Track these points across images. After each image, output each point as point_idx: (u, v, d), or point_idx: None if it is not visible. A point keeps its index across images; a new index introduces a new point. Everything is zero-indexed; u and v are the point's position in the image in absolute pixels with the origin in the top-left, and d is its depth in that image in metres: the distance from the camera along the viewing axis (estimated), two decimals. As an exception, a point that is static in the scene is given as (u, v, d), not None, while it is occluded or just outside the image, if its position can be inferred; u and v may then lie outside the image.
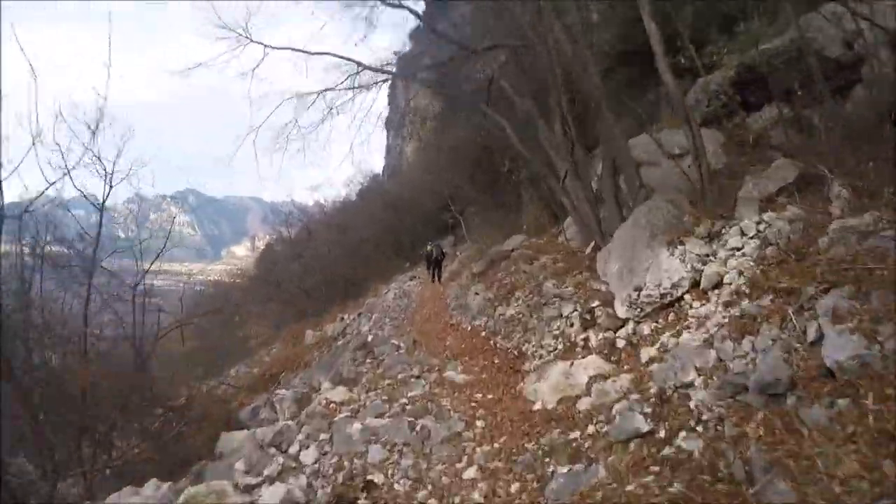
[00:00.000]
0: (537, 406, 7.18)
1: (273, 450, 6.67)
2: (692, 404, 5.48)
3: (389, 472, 6.02)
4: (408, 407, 7.42)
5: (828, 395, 4.25)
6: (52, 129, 10.38)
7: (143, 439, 9.35)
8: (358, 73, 11.87)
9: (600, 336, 8.01)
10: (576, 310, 8.44)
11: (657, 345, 7.01)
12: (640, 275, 7.90)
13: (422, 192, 34.23)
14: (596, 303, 8.19)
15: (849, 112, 11.38)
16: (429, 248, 23.39)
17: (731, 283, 7.04)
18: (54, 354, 10.29)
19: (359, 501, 5.53)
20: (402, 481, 5.82)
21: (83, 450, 9.00)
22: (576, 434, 6.07)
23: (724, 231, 7.86)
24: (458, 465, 6.07)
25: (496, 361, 9.15)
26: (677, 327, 7.09)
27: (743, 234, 7.52)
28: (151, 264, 11.94)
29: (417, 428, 6.69)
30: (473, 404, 7.57)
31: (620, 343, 7.53)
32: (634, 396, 5.97)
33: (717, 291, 7.28)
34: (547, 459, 5.80)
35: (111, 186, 11.62)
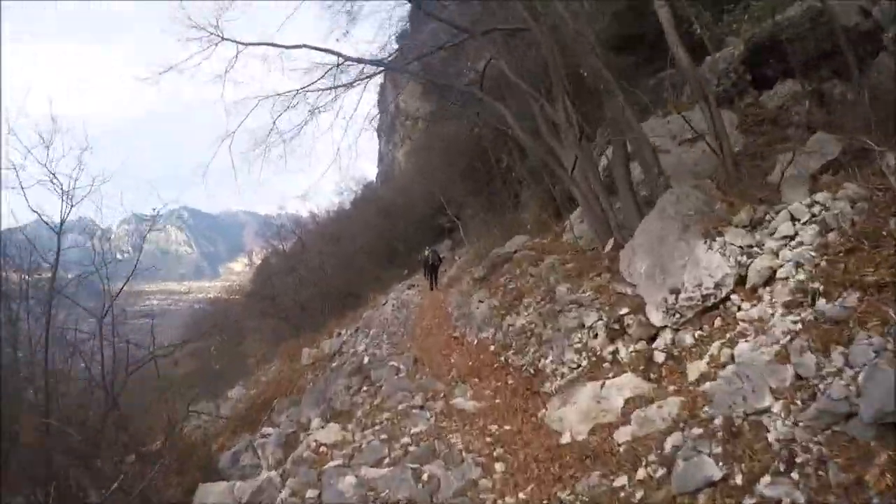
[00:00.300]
0: (565, 438, 5.90)
1: (252, 512, 5.36)
2: (772, 437, 4.24)
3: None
4: (411, 448, 6.13)
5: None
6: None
7: (112, 491, 8.00)
8: (339, 66, 10.60)
9: (631, 348, 6.75)
10: (600, 318, 7.15)
11: (706, 358, 5.74)
12: (675, 274, 6.62)
13: (415, 196, 33.05)
14: (624, 309, 6.90)
15: (875, 82, 10.27)
16: (425, 253, 22.22)
17: (787, 279, 5.80)
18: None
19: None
20: (407, 556, 4.51)
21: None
22: (622, 480, 4.78)
23: (767, 217, 6.63)
24: (477, 528, 4.77)
25: (510, 382, 7.83)
26: (728, 335, 5.83)
27: (794, 219, 6.27)
28: (119, 292, 10.56)
29: (424, 478, 5.38)
30: (489, 439, 6.26)
31: (659, 356, 6.25)
32: (696, 431, 4.65)
33: (769, 289, 6.07)
34: (590, 517, 4.52)
35: (71, 205, 10.29)
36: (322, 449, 6.63)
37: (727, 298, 6.27)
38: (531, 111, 10.88)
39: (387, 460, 5.93)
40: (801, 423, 4.14)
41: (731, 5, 13.49)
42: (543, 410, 6.57)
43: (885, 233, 5.39)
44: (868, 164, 6.94)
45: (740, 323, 5.92)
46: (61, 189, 9.96)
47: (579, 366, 7.08)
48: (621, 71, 12.62)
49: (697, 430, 4.63)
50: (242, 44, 11.31)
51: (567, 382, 6.87)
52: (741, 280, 6.32)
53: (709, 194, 7.72)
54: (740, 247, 6.49)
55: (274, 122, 11.03)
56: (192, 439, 10.29)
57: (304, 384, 12.39)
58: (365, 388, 8.54)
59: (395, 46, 13.91)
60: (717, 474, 4.13)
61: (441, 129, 25.84)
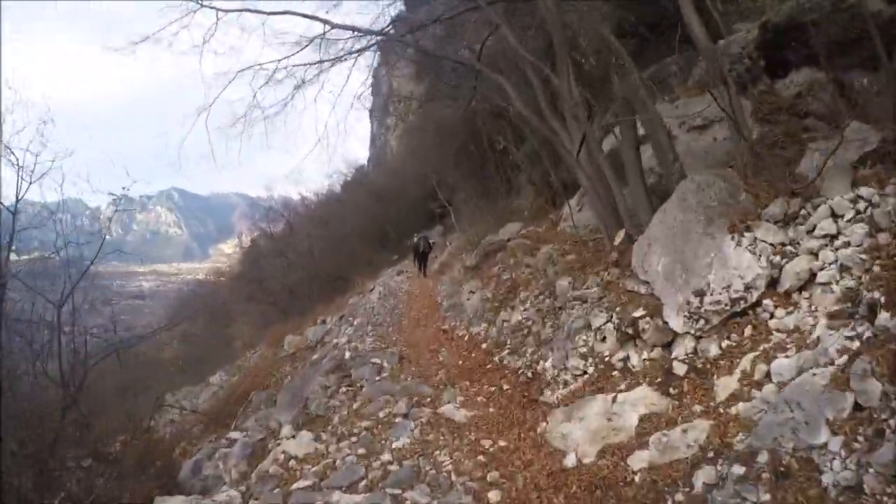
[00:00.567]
0: (570, 460, 5.03)
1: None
2: (827, 481, 3.42)
3: None
4: (391, 468, 5.22)
5: None
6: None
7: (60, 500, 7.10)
8: (325, 34, 9.53)
9: (645, 356, 5.88)
10: (610, 319, 6.25)
11: (737, 373, 4.88)
12: (699, 273, 5.73)
13: (407, 180, 32.11)
14: (639, 311, 6.00)
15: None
16: (415, 239, 21.59)
17: (830, 284, 4.96)
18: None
19: None
20: None
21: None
22: (643, 522, 3.90)
23: (804, 212, 5.75)
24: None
25: (505, 387, 6.93)
26: (762, 347, 4.98)
27: (835, 215, 5.38)
28: (80, 278, 9.47)
29: (405, 509, 4.47)
30: (482, 458, 5.36)
31: (679, 368, 5.37)
32: (736, 469, 3.78)
33: (806, 294, 5.23)
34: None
35: (30, 182, 9.25)
36: (291, 463, 5.73)
37: (758, 303, 5.41)
38: (531, 92, 9.95)
39: (363, 483, 5.02)
40: (869, 468, 3.29)
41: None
42: (544, 424, 5.69)
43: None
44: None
45: (775, 333, 5.07)
46: (17, 164, 8.93)
47: (584, 373, 6.20)
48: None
49: (738, 469, 3.74)
50: (221, 10, 10.23)
51: (571, 392, 6.00)
52: (772, 282, 5.47)
53: (731, 183, 6.83)
54: (772, 244, 5.64)
55: (254, 96, 9.98)
56: (157, 439, 9.38)
57: (282, 375, 11.47)
58: (344, 390, 7.61)
59: (389, 20, 12.83)
60: (768, 530, 3.27)
61: (434, 111, 24.71)
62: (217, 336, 39.72)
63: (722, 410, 4.61)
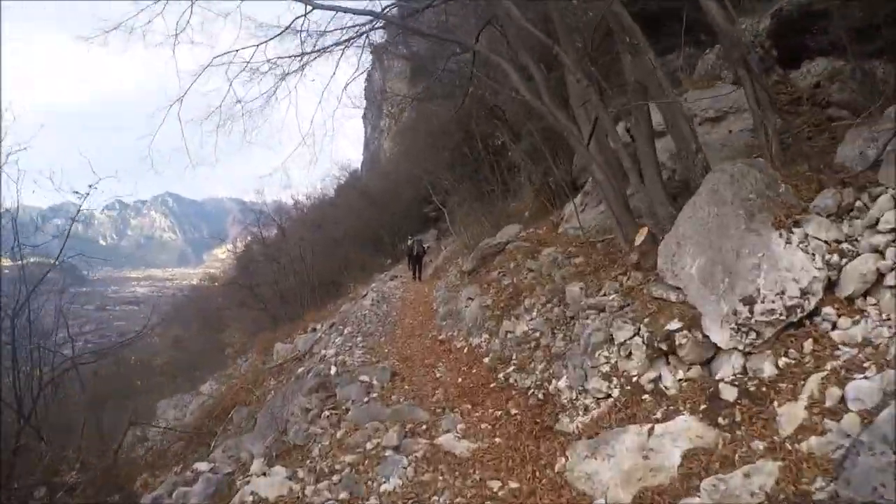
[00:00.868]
0: (598, 508, 4.03)
1: None
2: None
3: None
4: (380, 519, 4.19)
5: None
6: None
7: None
8: (306, 15, 8.56)
9: (681, 376, 4.89)
10: (638, 332, 5.25)
11: (803, 399, 3.91)
12: (746, 276, 4.75)
13: (401, 183, 31.25)
14: (674, 323, 5.00)
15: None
16: (409, 242, 21.29)
17: (909, 287, 4.00)
18: None
19: None
20: None
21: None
22: None
23: (859, 203, 4.81)
24: None
25: (513, 412, 5.89)
26: (830, 365, 4.02)
27: (900, 207, 4.44)
28: (37, 285, 8.39)
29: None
30: (489, 504, 4.34)
31: (727, 392, 4.38)
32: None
33: (873, 300, 4.33)
34: None
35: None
36: (261, 507, 4.72)
37: (816, 312, 4.45)
38: (533, 82, 9.01)
39: (345, 540, 4.02)
40: None
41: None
42: (563, 459, 4.68)
43: None
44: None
45: (841, 347, 4.11)
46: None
47: (608, 396, 5.21)
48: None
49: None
50: (196, -6, 9.21)
51: (593, 420, 5.00)
52: (829, 286, 4.52)
53: (766, 174, 5.88)
54: (826, 241, 4.69)
55: (230, 86, 8.98)
56: (126, 461, 8.32)
57: (266, 390, 10.41)
58: (327, 413, 6.55)
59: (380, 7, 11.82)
60: None
61: (428, 112, 23.89)
62: (210, 342, 38.73)
63: (790, 447, 3.63)
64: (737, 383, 4.38)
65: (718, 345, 4.72)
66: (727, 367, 4.60)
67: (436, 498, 4.44)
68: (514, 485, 4.56)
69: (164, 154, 9.78)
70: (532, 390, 6.14)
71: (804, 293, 4.48)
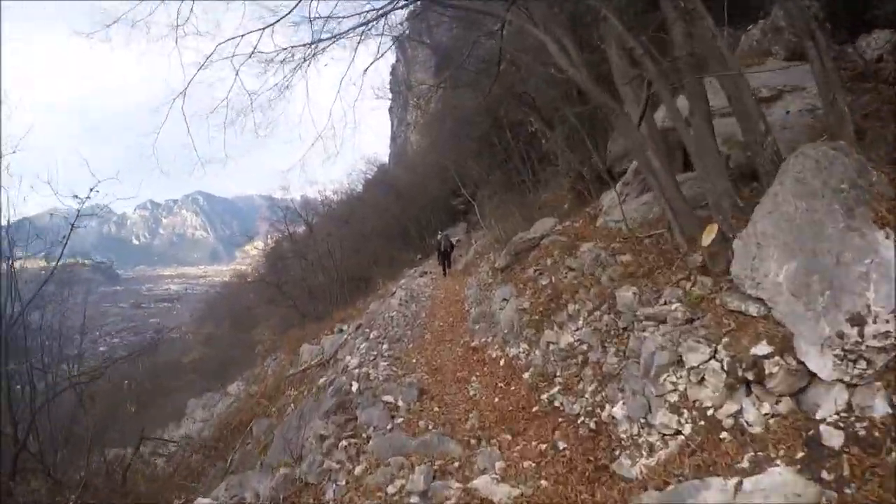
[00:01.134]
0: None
1: None
2: None
3: None
4: None
5: None
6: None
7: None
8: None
9: (767, 411, 3.90)
10: (715, 355, 4.26)
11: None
12: (853, 289, 3.74)
13: (428, 176, 30.34)
14: (763, 345, 4.00)
15: None
16: (438, 237, 20.61)
17: None
18: None
19: None
20: None
21: None
22: None
23: None
24: None
25: (562, 446, 4.92)
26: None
27: None
28: (31, 300, 7.74)
29: None
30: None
31: (831, 436, 3.40)
32: None
33: None
34: None
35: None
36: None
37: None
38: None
39: None
40: None
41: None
42: (627, 514, 3.74)
43: None
44: None
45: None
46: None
47: (677, 432, 4.24)
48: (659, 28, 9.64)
49: None
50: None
51: (661, 464, 4.04)
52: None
53: (853, 159, 4.81)
54: (949, 243, 3.65)
55: (237, 75, 8.18)
56: (133, 484, 7.65)
57: (287, 403, 9.64)
58: (346, 441, 5.68)
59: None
60: None
61: (454, 101, 22.96)
62: (241, 339, 38.66)
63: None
64: (842, 424, 3.40)
65: (818, 374, 3.71)
66: (828, 404, 3.62)
67: (472, 569, 3.54)
68: (569, 550, 3.64)
69: (170, 151, 9.01)
70: (582, 418, 5.19)
71: (932, 310, 3.45)
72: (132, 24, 8.48)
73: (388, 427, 5.93)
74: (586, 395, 5.41)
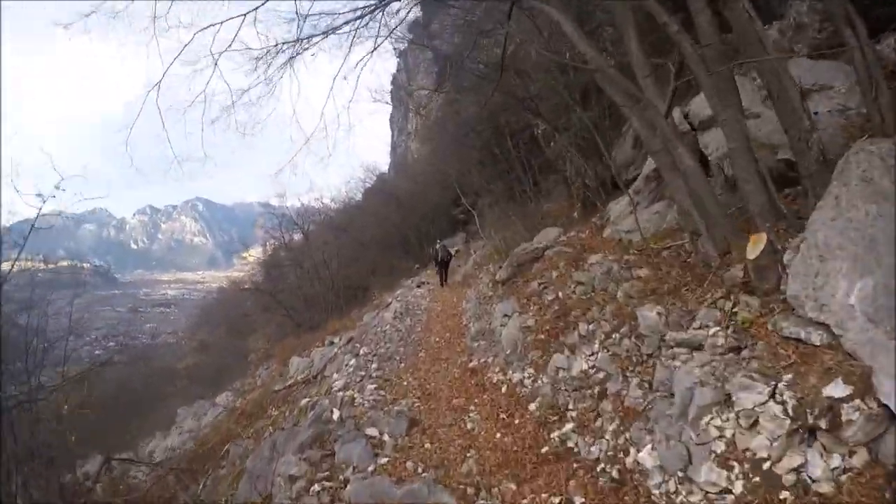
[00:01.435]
0: None
1: None
2: None
3: None
4: None
5: None
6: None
7: None
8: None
9: (836, 465, 3.04)
10: (774, 395, 3.37)
11: None
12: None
13: (429, 185, 29.56)
14: (838, 386, 3.13)
15: None
16: (436, 247, 19.83)
17: None
18: None
19: None
20: None
21: None
22: None
23: None
24: None
25: (579, 502, 4.02)
26: None
27: None
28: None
29: None
30: None
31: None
32: None
33: None
34: None
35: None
36: None
37: None
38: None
39: None
40: None
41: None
42: None
43: None
44: None
45: None
46: None
47: (726, 490, 3.36)
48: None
49: None
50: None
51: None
52: None
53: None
54: None
55: (216, 64, 7.37)
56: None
57: (265, 426, 8.70)
58: (319, 485, 4.76)
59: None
60: None
61: (456, 108, 22.27)
62: (235, 346, 37.75)
63: None
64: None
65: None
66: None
67: None
68: None
69: (156, 151, 8.25)
70: (602, 464, 4.29)
71: None
72: (114, 15, 7.76)
73: (370, 468, 5.01)
74: (606, 436, 4.51)
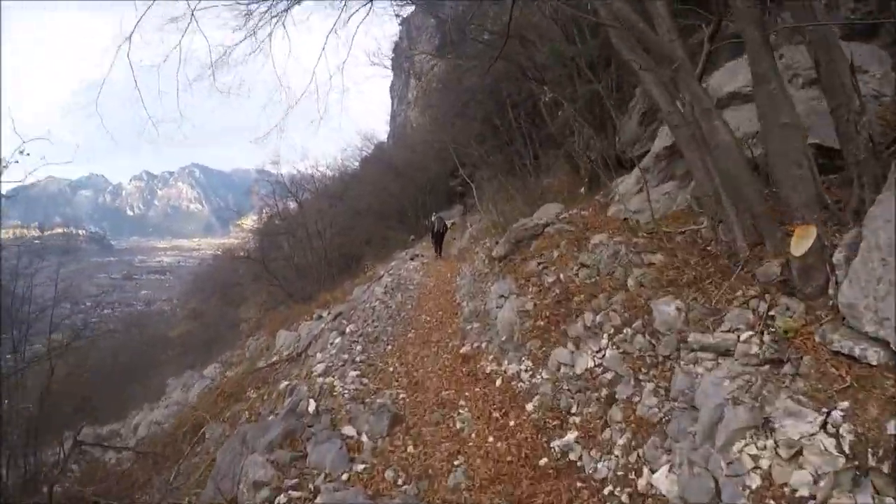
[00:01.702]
0: None
1: None
2: None
3: None
4: None
5: None
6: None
7: None
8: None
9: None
10: (826, 426, 2.75)
11: None
12: None
13: (427, 156, 28.75)
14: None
15: None
16: (432, 219, 19.63)
17: None
18: None
19: None
20: None
21: None
22: None
23: None
24: None
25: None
26: None
27: None
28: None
29: None
30: None
31: None
32: None
33: None
34: None
35: None
36: None
37: None
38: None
39: None
40: None
41: None
42: None
43: None
44: None
45: None
46: None
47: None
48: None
49: None
50: None
51: None
52: None
53: None
54: None
55: (192, 16, 6.62)
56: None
57: (242, 409, 8.10)
58: (286, 493, 4.14)
59: None
60: None
61: (457, 76, 21.50)
62: (227, 315, 37.27)
63: None
64: None
65: None
66: None
67: None
68: None
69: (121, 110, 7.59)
70: (611, 486, 3.69)
71: None
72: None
73: (344, 476, 4.39)
74: (615, 452, 3.90)
